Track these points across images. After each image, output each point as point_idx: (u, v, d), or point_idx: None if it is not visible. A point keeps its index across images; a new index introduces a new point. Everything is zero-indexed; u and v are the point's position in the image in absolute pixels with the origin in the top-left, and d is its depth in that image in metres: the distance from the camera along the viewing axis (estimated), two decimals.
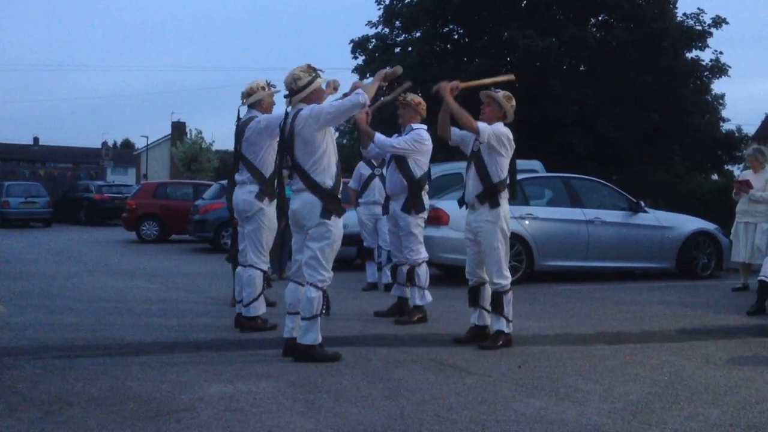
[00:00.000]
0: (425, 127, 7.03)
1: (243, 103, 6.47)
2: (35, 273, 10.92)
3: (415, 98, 7.09)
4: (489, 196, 5.76)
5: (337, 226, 5.14)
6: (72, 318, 6.88)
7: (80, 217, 26.37)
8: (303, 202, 5.15)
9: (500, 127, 5.79)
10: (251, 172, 6.25)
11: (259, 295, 6.31)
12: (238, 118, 6.54)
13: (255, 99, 6.40)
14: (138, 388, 4.38)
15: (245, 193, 6.25)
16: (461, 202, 6.10)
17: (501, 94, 5.91)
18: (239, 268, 6.44)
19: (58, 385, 4.42)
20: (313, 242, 5.11)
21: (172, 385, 4.46)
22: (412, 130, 6.95)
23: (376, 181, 9.01)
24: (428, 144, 6.96)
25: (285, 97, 5.32)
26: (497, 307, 5.75)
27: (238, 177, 6.38)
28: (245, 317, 6.28)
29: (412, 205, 6.94)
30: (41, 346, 5.58)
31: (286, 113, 5.32)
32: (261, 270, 6.30)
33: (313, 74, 5.26)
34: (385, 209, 7.41)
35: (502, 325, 5.74)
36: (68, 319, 6.79)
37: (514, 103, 5.92)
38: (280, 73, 6.00)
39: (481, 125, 5.71)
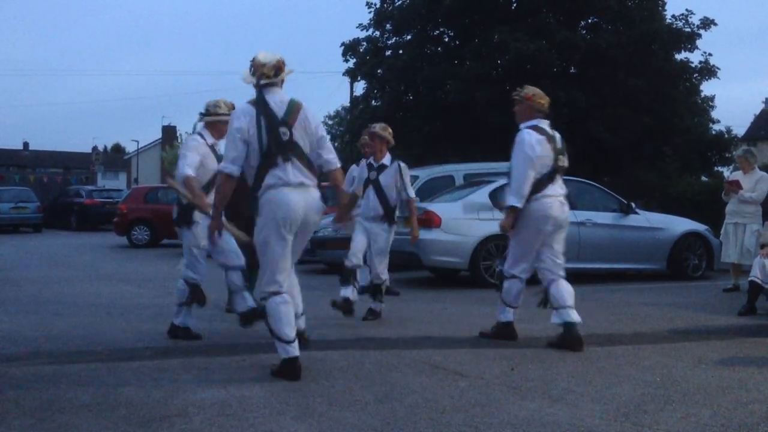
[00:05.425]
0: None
1: None
2: (25, 278, 10.86)
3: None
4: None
5: None
6: (63, 324, 6.85)
7: (71, 222, 26.27)
8: (314, 199, 4.81)
9: (523, 143, 5.71)
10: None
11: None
12: None
13: None
14: (130, 394, 4.36)
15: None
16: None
17: (530, 91, 5.88)
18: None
19: (49, 392, 4.39)
20: (304, 242, 5.01)
21: (164, 391, 4.44)
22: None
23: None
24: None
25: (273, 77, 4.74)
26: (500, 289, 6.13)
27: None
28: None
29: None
30: (32, 353, 5.54)
31: (264, 94, 4.70)
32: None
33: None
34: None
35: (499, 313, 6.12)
36: (59, 325, 6.76)
37: (543, 100, 5.88)
38: None
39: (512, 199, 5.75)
